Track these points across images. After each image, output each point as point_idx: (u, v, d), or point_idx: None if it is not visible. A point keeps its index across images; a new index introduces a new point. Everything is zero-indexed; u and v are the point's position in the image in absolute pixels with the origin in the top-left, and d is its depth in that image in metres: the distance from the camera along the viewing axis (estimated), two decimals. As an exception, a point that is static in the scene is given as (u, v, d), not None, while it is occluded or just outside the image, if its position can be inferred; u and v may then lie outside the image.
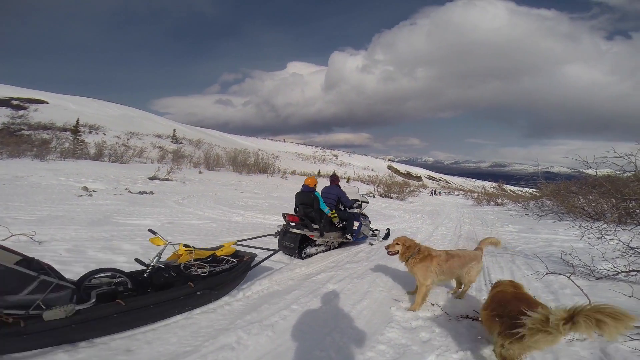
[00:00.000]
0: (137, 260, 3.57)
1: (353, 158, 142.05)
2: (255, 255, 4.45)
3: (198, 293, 3.42)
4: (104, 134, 41.00)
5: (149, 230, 3.86)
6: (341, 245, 7.04)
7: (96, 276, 3.14)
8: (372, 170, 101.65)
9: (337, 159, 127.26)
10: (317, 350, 2.75)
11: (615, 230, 5.09)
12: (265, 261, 4.77)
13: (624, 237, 4.72)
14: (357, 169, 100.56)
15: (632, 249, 4.39)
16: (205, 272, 3.74)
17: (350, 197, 7.32)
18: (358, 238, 7.14)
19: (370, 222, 7.95)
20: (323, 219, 6.16)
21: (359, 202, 7.46)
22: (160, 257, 3.62)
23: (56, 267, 4.10)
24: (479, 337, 2.95)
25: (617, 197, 6.22)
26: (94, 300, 2.77)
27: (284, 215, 6.17)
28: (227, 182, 21.71)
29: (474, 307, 3.69)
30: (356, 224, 7.04)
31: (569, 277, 4.02)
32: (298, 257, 5.74)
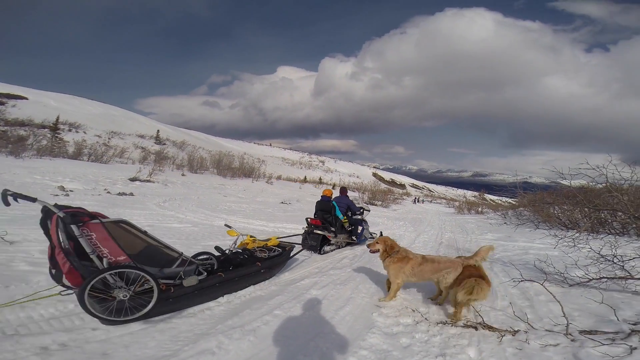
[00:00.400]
0: (216, 248, 4.72)
1: (339, 164, 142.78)
2: (294, 246, 5.62)
3: (262, 271, 4.55)
4: (85, 133, 39.81)
5: (225, 225, 5.64)
6: (347, 244, 8.03)
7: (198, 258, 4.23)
8: (358, 177, 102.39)
9: (323, 164, 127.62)
10: (301, 355, 2.74)
11: (587, 239, 5.31)
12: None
13: (595, 245, 4.92)
14: (343, 175, 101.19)
15: (602, 256, 4.58)
16: (266, 256, 4.93)
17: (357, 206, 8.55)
18: (361, 240, 8.16)
19: (369, 226, 8.97)
20: (337, 223, 7.46)
21: (362, 210, 8.52)
22: (235, 245, 5.07)
23: (27, 269, 3.94)
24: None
25: (590, 207, 6.51)
26: (205, 274, 3.81)
27: (307, 219, 7.30)
28: (210, 185, 21.41)
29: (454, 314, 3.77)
30: (359, 229, 8.22)
31: (542, 284, 4.16)
32: (318, 253, 6.85)
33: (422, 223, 16.64)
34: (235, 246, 5.02)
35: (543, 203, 13.55)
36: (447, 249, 8.48)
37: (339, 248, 7.70)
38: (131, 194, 11.99)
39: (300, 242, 6.87)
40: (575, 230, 6.43)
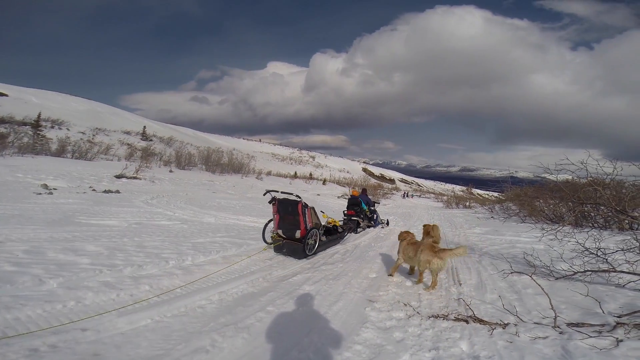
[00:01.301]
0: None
1: (329, 160, 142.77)
2: (351, 226, 9.47)
3: (338, 238, 7.74)
4: (68, 129, 38.71)
5: (321, 211, 8.06)
6: (368, 227, 10.89)
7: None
8: (348, 172, 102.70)
9: (314, 160, 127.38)
10: (295, 351, 2.74)
11: (572, 232, 5.45)
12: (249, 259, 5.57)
13: (580, 238, 5.06)
14: (334, 170, 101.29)
15: (587, 249, 4.72)
16: (342, 229, 8.31)
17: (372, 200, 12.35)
18: (377, 223, 11.36)
19: (379, 215, 11.88)
20: (362, 213, 10.65)
21: (374, 204, 11.92)
22: (326, 221, 8.07)
23: (11, 269, 3.83)
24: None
25: (574, 202, 6.68)
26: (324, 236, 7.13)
27: (344, 211, 10.82)
28: (199, 181, 21.13)
29: (444, 307, 3.83)
30: (375, 216, 11.44)
31: (530, 276, 4.27)
32: (354, 232, 9.63)
33: (412, 217, 16.83)
34: (327, 222, 8.04)
35: (529, 197, 13.86)
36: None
37: (364, 229, 10.57)
38: (117, 192, 11.74)
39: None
40: (560, 224, 6.60)
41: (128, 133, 49.65)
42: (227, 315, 3.35)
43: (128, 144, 38.90)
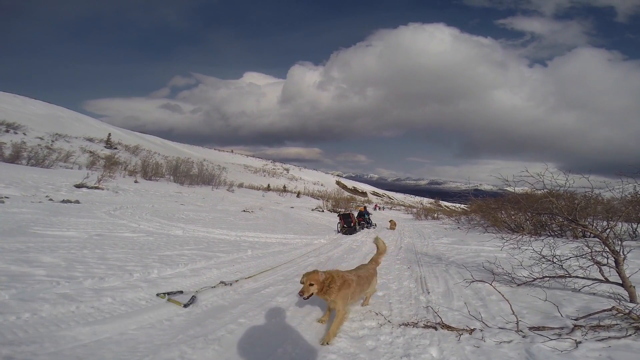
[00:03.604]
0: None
1: (304, 172, 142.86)
2: (364, 225, 17.26)
3: (360, 228, 16.02)
4: (24, 134, 36.16)
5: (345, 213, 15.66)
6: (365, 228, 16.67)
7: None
8: (322, 185, 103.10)
9: (288, 172, 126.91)
10: (269, 362, 2.69)
11: (530, 240, 5.78)
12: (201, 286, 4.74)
13: (537, 246, 5.38)
14: (308, 183, 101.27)
15: (543, 257, 5.03)
16: (360, 226, 16.27)
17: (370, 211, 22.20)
18: (371, 226, 18.02)
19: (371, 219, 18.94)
20: (364, 219, 17.43)
21: (370, 214, 19.36)
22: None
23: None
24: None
25: (531, 212, 7.13)
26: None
27: (356, 217, 16.47)
28: (166, 193, 20.36)
29: (414, 315, 3.91)
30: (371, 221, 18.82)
31: (491, 284, 4.46)
32: (357, 232, 14.82)
33: (383, 229, 17.15)
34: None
35: (491, 208, 14.60)
36: (406, 252, 8.81)
37: (361, 230, 15.99)
38: (77, 202, 11.02)
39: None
40: (519, 233, 6.99)
41: (91, 140, 47.16)
42: (197, 327, 3.23)
43: (90, 152, 36.94)
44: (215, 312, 3.71)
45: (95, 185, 15.67)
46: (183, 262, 5.60)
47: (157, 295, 3.97)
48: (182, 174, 29.44)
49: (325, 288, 3.37)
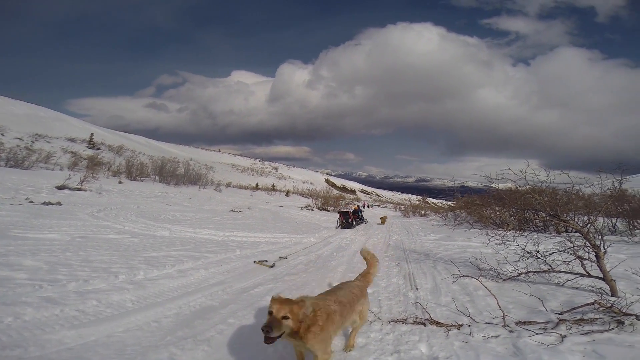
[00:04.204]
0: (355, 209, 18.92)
1: (293, 171, 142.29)
2: (359, 221, 18.62)
3: (356, 224, 17.40)
4: (2, 135, 34.89)
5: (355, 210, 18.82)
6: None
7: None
8: (311, 183, 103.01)
9: (276, 171, 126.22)
10: (260, 360, 2.68)
11: (514, 236, 5.90)
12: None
13: (521, 242, 5.50)
14: (297, 182, 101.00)
15: (528, 252, 5.14)
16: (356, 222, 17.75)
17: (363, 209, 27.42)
18: (364, 221, 19.33)
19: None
20: (358, 216, 18.78)
21: (363, 211, 22.50)
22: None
23: None
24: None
25: (516, 208, 7.28)
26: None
27: (351, 213, 17.67)
28: (151, 193, 19.97)
29: (403, 312, 3.95)
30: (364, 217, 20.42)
31: (477, 279, 4.54)
32: (353, 227, 16.46)
33: (372, 227, 17.26)
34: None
35: (476, 205, 14.88)
36: (394, 250, 8.89)
37: (357, 225, 17.54)
38: (59, 204, 10.69)
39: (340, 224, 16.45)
40: (504, 229, 7.12)
41: (72, 140, 45.85)
42: (185, 329, 3.19)
43: (72, 152, 35.90)
44: (204, 312, 3.67)
45: (78, 187, 15.22)
46: (170, 263, 5.51)
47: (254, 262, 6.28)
48: (167, 173, 28.90)
49: (303, 328, 2.30)
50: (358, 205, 23.49)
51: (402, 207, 41.16)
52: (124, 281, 4.42)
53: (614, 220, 10.99)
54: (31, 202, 10.29)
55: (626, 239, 9.39)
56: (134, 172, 26.38)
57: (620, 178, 5.00)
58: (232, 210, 17.23)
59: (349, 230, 15.27)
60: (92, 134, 50.27)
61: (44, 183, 14.55)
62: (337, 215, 17.64)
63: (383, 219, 20.51)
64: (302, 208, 26.87)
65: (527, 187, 5.67)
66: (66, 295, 3.66)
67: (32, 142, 36.63)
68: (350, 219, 16.72)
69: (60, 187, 14.26)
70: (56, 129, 49.49)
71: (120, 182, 21.96)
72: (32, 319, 3.03)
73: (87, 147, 44.57)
